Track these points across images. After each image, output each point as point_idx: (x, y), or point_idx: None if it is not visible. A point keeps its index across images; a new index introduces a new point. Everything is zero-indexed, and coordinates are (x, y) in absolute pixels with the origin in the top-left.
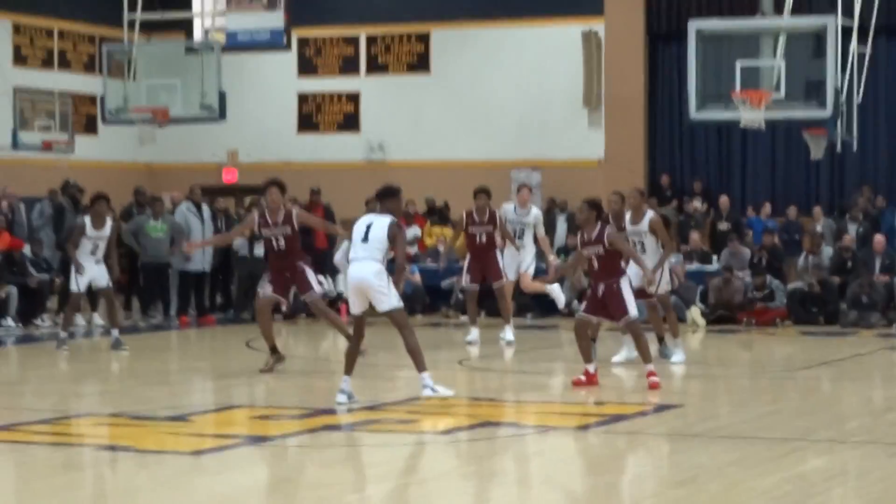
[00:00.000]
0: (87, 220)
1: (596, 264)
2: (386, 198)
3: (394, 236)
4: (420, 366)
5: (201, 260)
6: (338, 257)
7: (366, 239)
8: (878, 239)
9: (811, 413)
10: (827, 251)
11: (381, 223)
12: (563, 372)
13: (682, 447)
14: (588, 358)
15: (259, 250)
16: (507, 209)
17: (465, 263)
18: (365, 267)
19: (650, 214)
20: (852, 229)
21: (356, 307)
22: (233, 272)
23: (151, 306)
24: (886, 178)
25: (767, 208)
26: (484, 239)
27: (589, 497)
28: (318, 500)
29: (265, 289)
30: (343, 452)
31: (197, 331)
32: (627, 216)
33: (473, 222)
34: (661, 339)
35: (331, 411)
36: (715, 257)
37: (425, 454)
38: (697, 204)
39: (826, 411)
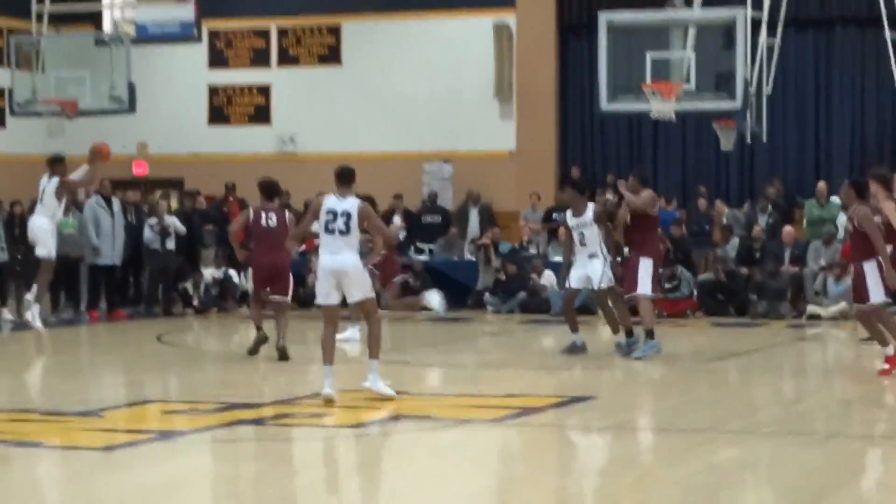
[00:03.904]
0: None
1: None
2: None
3: None
4: None
5: (111, 254)
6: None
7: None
8: (787, 230)
9: (722, 404)
10: (734, 242)
11: None
12: (475, 364)
13: (595, 439)
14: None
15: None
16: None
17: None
18: None
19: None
20: (762, 220)
21: None
22: (143, 266)
23: (62, 301)
24: (795, 169)
25: (674, 201)
26: None
27: (502, 489)
28: (232, 494)
29: None
30: (256, 447)
31: (107, 325)
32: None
33: None
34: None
35: (244, 406)
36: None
37: (338, 448)
38: (609, 196)
39: (737, 402)
